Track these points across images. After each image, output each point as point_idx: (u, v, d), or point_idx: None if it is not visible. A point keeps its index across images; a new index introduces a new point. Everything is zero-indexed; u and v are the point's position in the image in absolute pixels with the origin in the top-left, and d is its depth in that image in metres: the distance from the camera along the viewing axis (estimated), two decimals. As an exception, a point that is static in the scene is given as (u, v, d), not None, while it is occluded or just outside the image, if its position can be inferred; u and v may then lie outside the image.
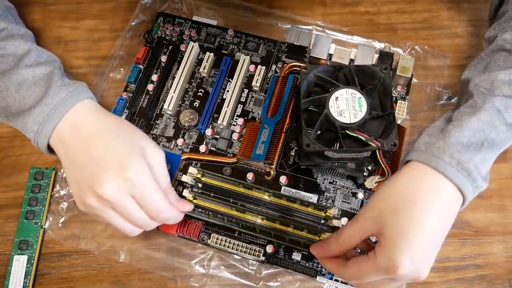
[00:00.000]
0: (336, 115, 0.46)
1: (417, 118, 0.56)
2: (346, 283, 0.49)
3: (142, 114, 0.56)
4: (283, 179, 0.52)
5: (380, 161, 0.45)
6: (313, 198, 0.51)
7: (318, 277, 0.49)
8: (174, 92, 0.55)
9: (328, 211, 0.49)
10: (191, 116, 0.55)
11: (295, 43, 0.56)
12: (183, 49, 0.59)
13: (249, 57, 0.58)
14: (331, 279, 0.49)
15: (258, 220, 0.49)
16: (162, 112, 0.56)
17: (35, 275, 0.51)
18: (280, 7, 0.63)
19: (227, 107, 0.55)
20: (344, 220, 0.50)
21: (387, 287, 0.40)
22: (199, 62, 0.59)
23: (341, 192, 0.52)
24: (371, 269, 0.39)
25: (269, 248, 0.49)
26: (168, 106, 0.55)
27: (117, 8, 0.64)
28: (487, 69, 0.46)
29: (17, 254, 0.51)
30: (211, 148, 0.55)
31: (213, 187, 0.51)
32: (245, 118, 0.56)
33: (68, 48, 0.62)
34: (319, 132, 0.48)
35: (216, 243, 0.50)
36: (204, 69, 0.57)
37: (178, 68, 0.57)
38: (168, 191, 0.46)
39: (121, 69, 0.60)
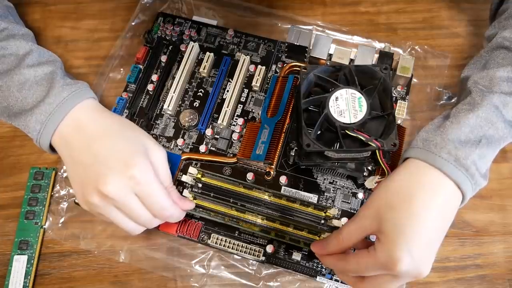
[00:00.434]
0: (336, 115, 0.46)
1: (417, 118, 0.56)
2: (346, 284, 0.49)
3: (142, 114, 0.56)
4: (283, 179, 0.52)
5: (380, 161, 0.45)
6: (313, 198, 0.51)
7: (318, 277, 0.49)
8: (174, 92, 0.55)
9: (328, 211, 0.49)
10: (191, 116, 0.55)
11: (295, 43, 0.56)
12: (183, 49, 0.59)
13: (249, 57, 0.58)
14: (331, 279, 0.49)
15: (258, 220, 0.49)
16: (162, 112, 0.56)
17: (35, 275, 0.51)
18: (280, 7, 0.63)
19: (227, 107, 0.55)
20: (344, 220, 0.50)
21: (389, 285, 0.40)
22: (199, 62, 0.59)
23: (341, 192, 0.52)
24: (370, 264, 0.39)
25: (269, 248, 0.49)
26: (168, 106, 0.55)
27: (117, 8, 0.64)
28: (486, 66, 0.46)
29: (17, 254, 0.51)
30: (211, 148, 0.55)
31: (213, 187, 0.51)
32: (245, 118, 0.56)
33: (68, 48, 0.62)
34: (319, 132, 0.48)
35: (216, 243, 0.50)
36: (204, 69, 0.57)
37: (178, 68, 0.57)
38: (171, 189, 0.46)
39: (121, 69, 0.60)
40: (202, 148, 0.54)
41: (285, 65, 0.58)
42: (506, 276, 0.50)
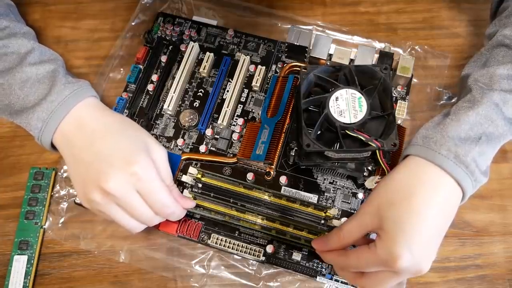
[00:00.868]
0: (336, 115, 0.46)
1: (417, 118, 0.56)
2: (346, 283, 0.49)
3: (142, 114, 0.56)
4: (283, 179, 0.52)
5: (380, 161, 0.45)
6: (313, 198, 0.51)
7: (318, 277, 0.49)
8: (174, 92, 0.55)
9: (328, 211, 0.49)
10: (191, 116, 0.55)
11: (295, 43, 0.56)
12: (183, 49, 0.59)
13: (249, 57, 0.58)
14: (331, 279, 0.49)
15: (258, 220, 0.49)
16: (162, 112, 0.56)
17: (35, 275, 0.51)
18: (280, 7, 0.63)
19: (227, 107, 0.55)
20: (344, 220, 0.50)
21: (389, 281, 0.40)
22: (199, 62, 0.59)
23: (341, 192, 0.52)
24: (371, 260, 0.39)
25: (269, 248, 0.49)
26: (168, 106, 0.55)
27: (117, 8, 0.64)
28: (486, 64, 0.46)
29: (17, 254, 0.51)
30: (211, 148, 0.54)
31: (213, 187, 0.51)
32: (245, 118, 0.56)
33: (68, 48, 0.62)
34: (319, 132, 0.48)
35: (216, 243, 0.50)
36: (204, 69, 0.57)
37: (178, 68, 0.57)
38: (172, 187, 0.46)
39: (121, 69, 0.60)
40: (202, 148, 0.54)
41: (285, 65, 0.58)
42: (506, 276, 0.50)
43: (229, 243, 0.50)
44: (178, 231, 0.50)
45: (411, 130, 0.55)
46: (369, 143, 0.45)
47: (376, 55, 0.56)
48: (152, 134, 0.55)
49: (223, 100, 0.56)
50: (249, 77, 0.58)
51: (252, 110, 0.56)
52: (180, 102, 0.57)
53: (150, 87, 0.57)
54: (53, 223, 0.53)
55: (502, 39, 0.47)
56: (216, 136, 0.55)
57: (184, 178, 0.52)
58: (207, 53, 0.58)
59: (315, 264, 0.49)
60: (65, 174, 0.54)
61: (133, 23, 0.62)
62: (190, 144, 0.55)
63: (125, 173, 0.41)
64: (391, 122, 0.46)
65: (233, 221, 0.50)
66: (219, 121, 0.54)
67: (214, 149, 0.54)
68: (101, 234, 0.52)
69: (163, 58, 0.59)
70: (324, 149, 0.45)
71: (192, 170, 0.52)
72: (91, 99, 0.46)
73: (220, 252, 0.51)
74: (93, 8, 0.64)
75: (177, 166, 0.52)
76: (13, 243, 0.52)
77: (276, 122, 0.52)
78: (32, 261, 0.51)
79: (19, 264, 0.51)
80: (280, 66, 0.58)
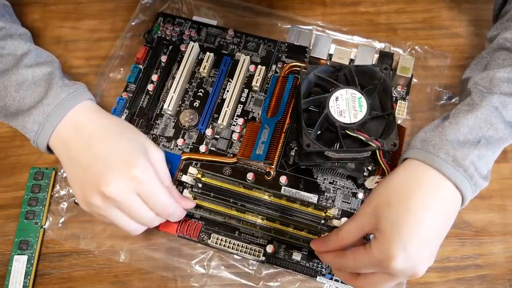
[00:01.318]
0: (336, 115, 0.46)
1: (417, 118, 0.56)
2: (346, 284, 0.49)
3: (142, 114, 0.56)
4: (283, 179, 0.52)
5: (380, 161, 0.45)
6: (313, 198, 0.51)
7: (318, 277, 0.49)
8: (174, 92, 0.55)
9: (328, 211, 0.49)
10: (191, 116, 0.55)
11: (295, 43, 0.56)
12: (183, 49, 0.59)
13: (249, 57, 0.58)
14: (331, 279, 0.49)
15: (258, 220, 0.49)
16: (162, 112, 0.56)
17: (35, 275, 0.51)
18: (280, 7, 0.63)
19: (227, 107, 0.55)
20: (344, 220, 0.50)
21: (384, 283, 0.40)
22: (199, 62, 0.59)
23: (341, 192, 0.52)
24: (366, 261, 0.39)
25: (269, 248, 0.49)
26: (168, 106, 0.55)
27: (117, 8, 0.64)
28: (487, 67, 0.46)
29: (17, 254, 0.51)
30: (211, 148, 0.54)
31: (213, 187, 0.51)
32: (245, 118, 0.56)
33: (68, 48, 0.62)
34: (319, 132, 0.48)
35: (216, 243, 0.50)
36: (204, 69, 0.57)
37: (178, 68, 0.57)
38: (171, 188, 0.47)
39: (121, 69, 0.60)
40: (202, 148, 0.54)
41: (285, 65, 0.58)
42: (506, 276, 0.50)
43: (229, 243, 0.50)
44: (178, 231, 0.50)
45: (411, 130, 0.55)
46: (369, 143, 0.45)
47: (376, 55, 0.56)
48: (152, 134, 0.55)
49: (223, 100, 0.56)
50: (249, 77, 0.58)
51: (252, 110, 0.56)
52: (180, 102, 0.57)
53: (150, 87, 0.57)
54: (53, 223, 0.53)
55: (503, 42, 0.46)
56: (216, 136, 0.55)
57: (184, 178, 0.52)
58: (207, 53, 0.58)
59: (315, 264, 0.49)
60: (65, 174, 0.54)
61: (133, 23, 0.62)
62: (190, 144, 0.55)
63: (125, 176, 0.41)
64: (391, 122, 0.46)
65: (233, 221, 0.50)
66: (219, 121, 0.54)
67: (214, 149, 0.54)
68: (101, 234, 0.52)
69: (163, 58, 0.59)
70: (324, 149, 0.45)
71: (192, 170, 0.52)
72: (87, 102, 0.46)
73: (220, 252, 0.51)
74: (93, 8, 0.64)
75: (177, 166, 0.52)
76: (13, 243, 0.52)
77: (276, 122, 0.52)
78: (32, 261, 0.51)
79: (19, 264, 0.51)
80: (280, 66, 0.58)
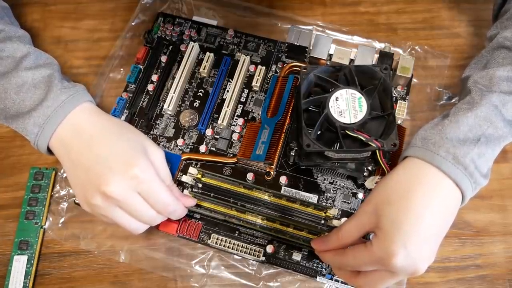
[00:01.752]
0: (336, 115, 0.46)
1: (417, 118, 0.56)
2: (346, 284, 0.49)
3: (142, 114, 0.56)
4: (283, 179, 0.52)
5: (380, 161, 0.45)
6: (313, 198, 0.51)
7: (318, 277, 0.49)
8: (174, 92, 0.55)
9: (328, 211, 0.49)
10: (191, 116, 0.55)
11: (295, 43, 0.56)
12: (183, 49, 0.59)
13: (249, 57, 0.58)
14: (331, 279, 0.49)
15: (258, 220, 0.49)
16: (162, 112, 0.56)
17: (35, 275, 0.51)
18: (280, 7, 0.63)
19: (227, 107, 0.55)
20: (344, 220, 0.50)
21: (384, 281, 0.40)
22: (199, 62, 0.59)
23: (341, 192, 0.52)
24: (367, 258, 0.39)
25: (269, 248, 0.49)
26: (168, 106, 0.55)
27: (117, 8, 0.64)
28: (487, 66, 0.46)
29: (17, 254, 0.51)
30: (211, 148, 0.54)
31: (213, 187, 0.51)
32: (245, 118, 0.56)
33: (68, 48, 0.62)
34: (319, 132, 0.48)
35: (216, 243, 0.50)
36: (204, 69, 0.57)
37: (178, 68, 0.57)
38: (172, 187, 0.47)
39: (121, 69, 0.60)
40: (202, 148, 0.54)
41: (285, 65, 0.58)
42: (507, 276, 0.50)
43: (229, 243, 0.50)
44: (178, 231, 0.50)
45: (411, 130, 0.55)
46: (369, 143, 0.45)
47: (376, 55, 0.56)
48: (152, 134, 0.55)
49: (223, 100, 0.56)
50: (249, 77, 0.58)
51: (252, 110, 0.56)
52: (180, 102, 0.57)
53: (150, 87, 0.57)
54: (53, 223, 0.53)
55: (503, 41, 0.47)
56: (216, 136, 0.55)
57: (184, 178, 0.52)
58: (207, 53, 0.58)
59: (315, 264, 0.49)
60: (65, 175, 0.54)
61: (133, 23, 0.62)
62: (190, 144, 0.55)
63: (125, 176, 0.42)
64: (391, 122, 0.46)
65: (233, 221, 0.50)
66: (219, 121, 0.54)
67: (214, 149, 0.54)
68: (101, 234, 0.52)
69: (163, 58, 0.59)
70: (324, 149, 0.45)
71: (192, 170, 0.51)
72: (87, 104, 0.47)
73: (220, 252, 0.51)
74: (93, 8, 0.64)
75: (177, 166, 0.52)
76: (13, 243, 0.52)
77: (276, 122, 0.52)
78: (32, 261, 0.51)
79: (19, 264, 0.51)
80: (280, 66, 0.58)
